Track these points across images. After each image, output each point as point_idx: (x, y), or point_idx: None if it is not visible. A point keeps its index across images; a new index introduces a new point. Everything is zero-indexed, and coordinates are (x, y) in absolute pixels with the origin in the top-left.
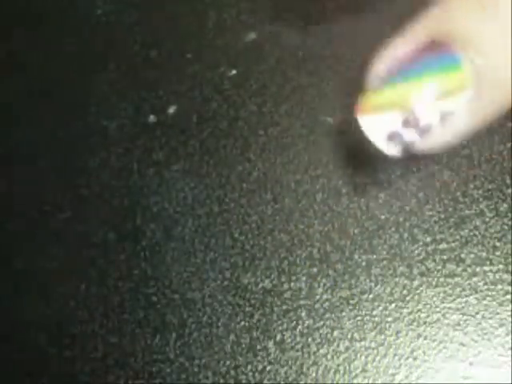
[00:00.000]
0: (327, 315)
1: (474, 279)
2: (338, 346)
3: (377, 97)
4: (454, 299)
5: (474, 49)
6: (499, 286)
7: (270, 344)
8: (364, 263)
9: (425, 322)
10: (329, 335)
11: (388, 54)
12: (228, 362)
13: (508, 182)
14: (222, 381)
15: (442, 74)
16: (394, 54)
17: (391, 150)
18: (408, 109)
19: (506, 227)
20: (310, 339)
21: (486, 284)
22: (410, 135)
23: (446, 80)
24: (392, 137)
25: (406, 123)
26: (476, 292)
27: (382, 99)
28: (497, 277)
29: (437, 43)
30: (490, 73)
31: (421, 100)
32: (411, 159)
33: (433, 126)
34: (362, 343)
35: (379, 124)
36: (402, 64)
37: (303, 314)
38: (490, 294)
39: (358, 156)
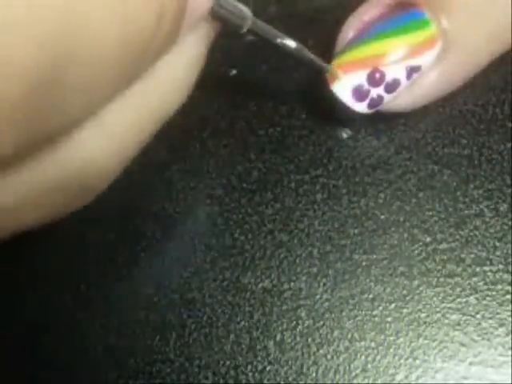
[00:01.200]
0: (327, 315)
1: (474, 279)
2: (337, 346)
3: (344, 56)
4: (454, 299)
5: (442, 11)
6: (499, 286)
7: (270, 344)
8: (364, 263)
9: (425, 322)
10: (329, 335)
11: (356, 17)
12: (228, 362)
13: (508, 182)
14: (221, 381)
15: (410, 32)
16: (361, 17)
17: (358, 106)
18: (374, 65)
19: (505, 227)
20: (309, 339)
21: (486, 284)
22: (377, 90)
23: (413, 37)
24: (358, 92)
25: (372, 78)
26: (476, 292)
27: (348, 58)
28: (497, 277)
29: (405, 3)
30: (456, 35)
31: (387, 56)
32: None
33: (400, 82)
34: (362, 343)
35: (346, 80)
36: (369, 25)
37: (303, 314)
38: (489, 293)
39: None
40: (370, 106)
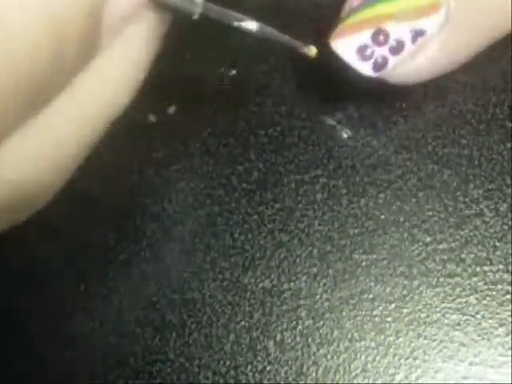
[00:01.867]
0: (327, 315)
1: (474, 279)
2: (338, 346)
3: (348, 20)
4: (454, 299)
5: None
6: (499, 286)
7: (270, 344)
8: (364, 263)
9: (425, 322)
10: (329, 335)
11: None
12: (228, 362)
13: (508, 181)
14: (221, 381)
15: None
16: None
17: (363, 67)
18: (379, 25)
19: (505, 227)
20: (309, 339)
21: (486, 284)
22: (381, 51)
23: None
24: (363, 52)
25: (377, 38)
26: (476, 292)
27: (353, 20)
28: (497, 277)
29: None
30: (457, 9)
31: (391, 16)
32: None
33: (404, 44)
34: (362, 343)
35: (350, 41)
36: None
37: (303, 314)
38: (489, 293)
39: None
40: (374, 67)
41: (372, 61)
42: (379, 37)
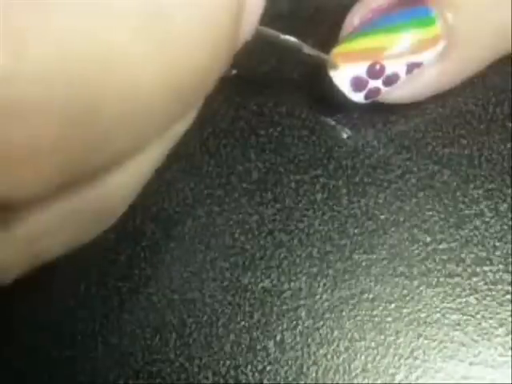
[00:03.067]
0: (327, 315)
1: (474, 279)
2: (337, 346)
3: (347, 45)
4: (454, 299)
5: (450, 7)
6: (499, 286)
7: (270, 344)
8: (364, 263)
9: (425, 322)
10: (329, 335)
11: (363, 5)
12: (228, 362)
13: (508, 182)
14: (221, 381)
15: (415, 27)
16: (368, 5)
17: (355, 96)
18: (376, 58)
19: (505, 227)
20: (309, 339)
21: (486, 284)
22: (375, 83)
23: (417, 34)
24: (357, 82)
25: (372, 70)
26: (476, 292)
27: (351, 47)
28: (497, 277)
29: None
30: (462, 32)
31: (389, 50)
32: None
33: (399, 76)
34: (362, 343)
35: (346, 70)
36: (376, 15)
37: (303, 314)
38: (489, 293)
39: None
40: (366, 96)
41: (365, 92)
42: (375, 70)
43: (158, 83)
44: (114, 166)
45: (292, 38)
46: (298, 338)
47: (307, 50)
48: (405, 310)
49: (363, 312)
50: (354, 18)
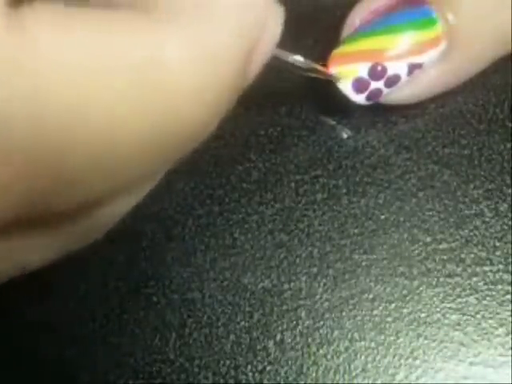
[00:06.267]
0: (327, 315)
1: (474, 279)
2: (337, 346)
3: (348, 46)
4: (454, 299)
5: (451, 7)
6: (499, 286)
7: (270, 344)
8: (364, 263)
9: (425, 322)
10: (329, 335)
11: (363, 6)
12: (228, 362)
13: (508, 182)
14: (221, 381)
15: (415, 29)
16: (369, 6)
17: (357, 97)
18: (377, 58)
19: (505, 227)
20: (309, 339)
21: (486, 284)
22: (377, 84)
23: (418, 35)
24: (358, 84)
25: (374, 72)
26: (476, 292)
27: (352, 48)
28: (497, 277)
29: None
30: (462, 33)
31: (390, 51)
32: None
33: (400, 77)
34: (362, 343)
35: (347, 71)
36: (377, 16)
37: (303, 314)
38: (489, 293)
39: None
40: (368, 98)
41: (366, 93)
42: (376, 71)
43: (140, 142)
44: (93, 205)
45: (301, 58)
46: (298, 338)
47: (316, 67)
48: (405, 310)
49: (363, 312)
50: (355, 19)
